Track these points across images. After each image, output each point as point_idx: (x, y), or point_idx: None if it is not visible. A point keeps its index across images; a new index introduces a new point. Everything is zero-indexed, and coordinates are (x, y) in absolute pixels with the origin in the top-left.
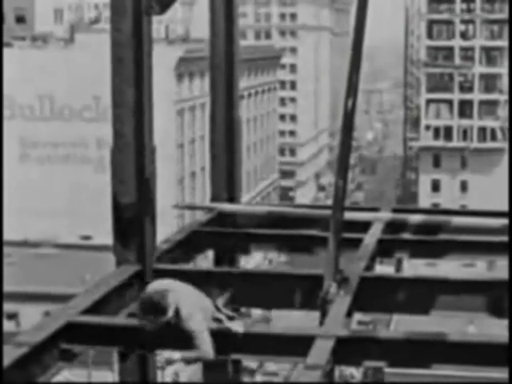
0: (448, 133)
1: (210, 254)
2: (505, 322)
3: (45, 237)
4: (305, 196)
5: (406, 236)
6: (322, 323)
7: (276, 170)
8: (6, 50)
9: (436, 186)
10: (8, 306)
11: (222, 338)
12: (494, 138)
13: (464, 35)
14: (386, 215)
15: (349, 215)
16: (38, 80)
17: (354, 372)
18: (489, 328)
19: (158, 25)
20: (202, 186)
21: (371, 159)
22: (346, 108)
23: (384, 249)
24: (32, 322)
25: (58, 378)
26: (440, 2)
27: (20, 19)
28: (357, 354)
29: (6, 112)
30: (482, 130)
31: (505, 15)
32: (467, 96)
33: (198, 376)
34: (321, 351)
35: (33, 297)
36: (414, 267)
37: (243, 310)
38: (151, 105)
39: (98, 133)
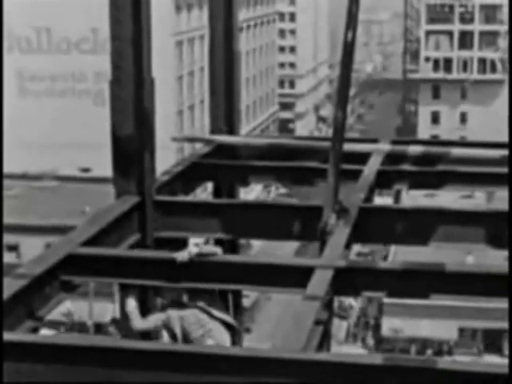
0: (448, 64)
1: (210, 185)
2: (503, 253)
3: (45, 169)
4: (304, 128)
5: (405, 167)
6: (321, 254)
7: (275, 102)
8: None
9: (435, 118)
10: (8, 238)
11: (221, 269)
12: (493, 69)
13: None
14: (385, 147)
15: (348, 147)
16: (35, 11)
17: (353, 302)
18: (487, 259)
19: None
20: (200, 119)
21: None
22: (345, 40)
23: (383, 180)
24: (33, 254)
25: (60, 309)
26: None
27: None
28: (355, 285)
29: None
30: (482, 61)
31: None
32: (467, 27)
33: None
34: (320, 282)
35: (33, 229)
36: (413, 198)
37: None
38: (149, 37)
39: (97, 66)
